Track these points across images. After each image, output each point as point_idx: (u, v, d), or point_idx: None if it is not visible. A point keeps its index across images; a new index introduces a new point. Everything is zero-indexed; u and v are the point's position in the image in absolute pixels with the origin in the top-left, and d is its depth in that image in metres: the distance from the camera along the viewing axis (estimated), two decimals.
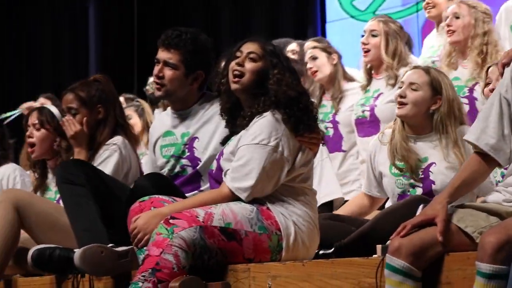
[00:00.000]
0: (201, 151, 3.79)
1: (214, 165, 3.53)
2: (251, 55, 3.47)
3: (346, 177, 5.24)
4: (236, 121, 3.51)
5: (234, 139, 3.46)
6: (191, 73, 3.83)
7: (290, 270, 3.21)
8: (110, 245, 3.66)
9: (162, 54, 3.83)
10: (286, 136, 3.36)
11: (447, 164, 3.94)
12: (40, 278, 4.05)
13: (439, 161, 3.96)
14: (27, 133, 4.62)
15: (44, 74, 10.07)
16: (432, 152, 3.99)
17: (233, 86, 3.46)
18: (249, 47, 3.49)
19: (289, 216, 3.35)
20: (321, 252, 3.66)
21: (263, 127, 3.35)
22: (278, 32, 8.10)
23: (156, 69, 3.84)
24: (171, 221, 3.19)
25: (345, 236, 3.73)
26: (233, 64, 3.47)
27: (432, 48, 5.57)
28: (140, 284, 3.10)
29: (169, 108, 3.97)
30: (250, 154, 3.33)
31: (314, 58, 5.41)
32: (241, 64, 3.46)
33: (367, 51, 5.14)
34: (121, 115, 4.31)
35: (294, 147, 3.38)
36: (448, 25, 4.99)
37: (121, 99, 5.76)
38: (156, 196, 3.44)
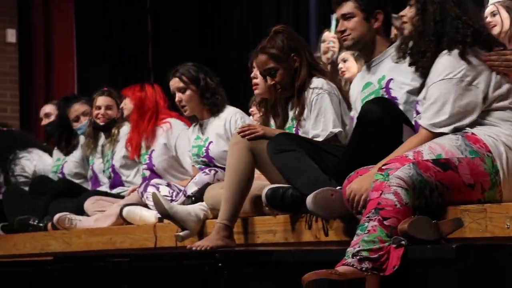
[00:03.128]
0: (397, 90, 3.80)
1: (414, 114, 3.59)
2: None
3: None
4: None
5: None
6: (370, 16, 3.90)
7: None
8: (339, 187, 3.66)
9: (339, 11, 3.93)
10: (470, 65, 3.37)
11: None
12: (274, 218, 4.12)
13: None
14: (252, 75, 4.67)
15: None
16: None
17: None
18: None
19: (497, 137, 3.33)
20: None
21: (446, 63, 3.39)
22: None
23: (338, 26, 3.95)
24: (383, 167, 3.21)
25: None
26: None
27: None
28: (366, 224, 3.10)
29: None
30: (438, 91, 3.38)
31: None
32: None
33: None
34: (311, 56, 4.31)
35: (481, 73, 3.38)
36: None
37: None
38: (362, 168, 3.49)
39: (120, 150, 5.72)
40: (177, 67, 5.08)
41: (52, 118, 6.51)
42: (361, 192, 3.35)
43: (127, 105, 5.55)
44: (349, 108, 4.21)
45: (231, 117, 4.99)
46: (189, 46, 9.34)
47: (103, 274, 4.15)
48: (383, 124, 3.57)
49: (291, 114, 4.30)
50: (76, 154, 6.23)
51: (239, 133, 4.12)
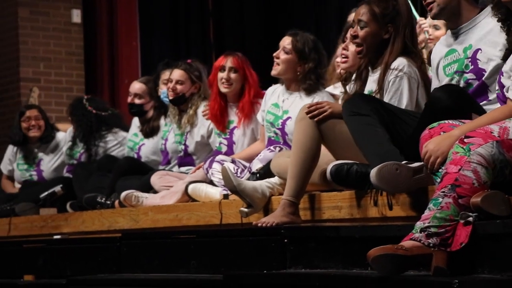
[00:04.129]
0: (484, 62, 3.67)
1: (496, 86, 3.43)
2: None
3: None
4: None
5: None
6: None
7: None
8: (404, 162, 3.63)
9: None
10: None
11: None
12: (340, 193, 4.11)
13: None
14: (343, 46, 4.61)
15: None
16: None
17: None
18: None
19: None
20: None
21: None
22: None
23: None
24: (465, 140, 3.12)
25: None
26: None
27: None
28: (440, 199, 3.06)
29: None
30: None
31: None
32: None
33: None
34: (412, 39, 4.16)
35: None
36: None
37: None
38: (446, 121, 3.38)
39: (197, 134, 5.68)
40: (298, 31, 5.03)
41: (142, 101, 6.34)
42: (437, 155, 3.27)
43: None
44: (428, 91, 4.13)
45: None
46: (250, 22, 9.34)
47: (170, 250, 4.19)
48: (451, 113, 3.47)
49: (370, 86, 4.24)
50: (154, 140, 6.24)
51: (306, 113, 4.10)
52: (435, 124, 3.39)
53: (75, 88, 9.37)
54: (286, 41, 4.99)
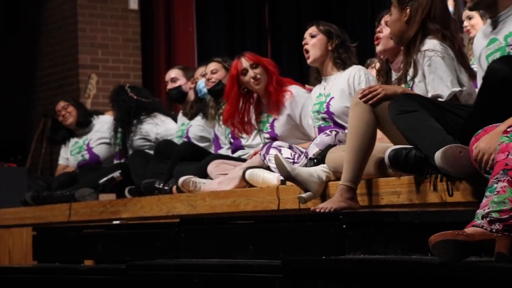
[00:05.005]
0: None
1: None
2: None
3: None
4: None
5: None
6: None
7: None
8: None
9: None
10: None
11: None
12: (399, 179, 4.08)
13: None
14: (378, 29, 4.61)
15: None
16: None
17: None
18: None
19: None
20: None
21: None
22: None
23: None
24: (508, 129, 3.14)
25: None
26: None
27: None
28: (495, 185, 3.05)
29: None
30: None
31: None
32: None
33: None
34: (438, 21, 4.14)
35: None
36: None
37: None
38: (489, 125, 3.41)
39: None
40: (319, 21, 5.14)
41: (178, 83, 6.57)
42: (489, 152, 3.28)
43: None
44: (465, 67, 4.12)
45: (355, 73, 4.95)
46: (305, 8, 9.30)
47: (228, 236, 4.20)
48: (510, 83, 3.47)
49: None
50: (200, 118, 6.30)
51: (360, 98, 4.08)
52: (480, 131, 3.44)
53: (132, 75, 9.45)
54: (309, 30, 5.08)
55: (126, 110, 6.71)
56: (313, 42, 5.04)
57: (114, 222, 5.68)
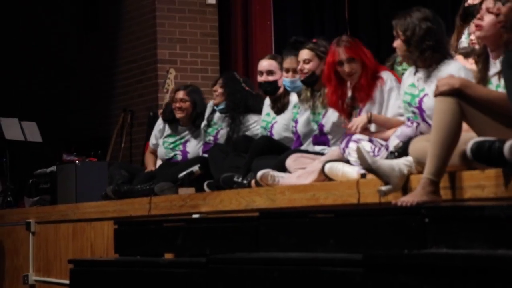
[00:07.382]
0: None
1: None
2: None
3: None
4: None
5: None
6: None
7: None
8: None
9: None
10: None
11: None
12: (483, 172, 3.99)
13: None
14: (478, 16, 4.51)
15: None
16: None
17: None
18: None
19: None
20: None
21: None
22: None
23: None
24: None
25: None
26: None
27: None
28: None
29: None
30: None
31: None
32: None
33: None
34: None
35: None
36: None
37: None
38: None
39: (333, 114, 5.59)
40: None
41: (275, 77, 6.31)
42: None
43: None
44: None
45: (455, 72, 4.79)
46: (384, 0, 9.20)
47: (308, 229, 4.18)
48: None
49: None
50: (286, 116, 6.20)
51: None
52: None
53: (209, 69, 9.48)
54: (395, 27, 4.86)
55: (240, 99, 6.60)
56: (397, 43, 4.86)
57: (194, 215, 5.70)
